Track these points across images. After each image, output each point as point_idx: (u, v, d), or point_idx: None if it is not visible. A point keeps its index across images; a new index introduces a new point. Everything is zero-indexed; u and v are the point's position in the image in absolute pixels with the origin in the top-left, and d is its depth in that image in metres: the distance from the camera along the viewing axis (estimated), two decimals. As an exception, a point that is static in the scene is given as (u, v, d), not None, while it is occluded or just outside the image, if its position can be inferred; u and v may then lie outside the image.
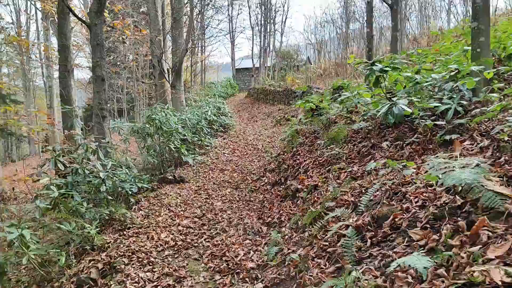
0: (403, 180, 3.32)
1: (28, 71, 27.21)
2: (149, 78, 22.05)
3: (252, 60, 32.52)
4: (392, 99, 4.00)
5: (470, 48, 5.14)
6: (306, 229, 3.84)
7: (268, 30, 32.81)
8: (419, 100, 4.03)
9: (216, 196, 6.64)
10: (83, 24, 9.15)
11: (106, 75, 8.09)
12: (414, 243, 2.43)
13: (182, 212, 5.92)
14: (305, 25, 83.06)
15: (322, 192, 4.46)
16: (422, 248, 2.36)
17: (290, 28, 47.66)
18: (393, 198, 3.19)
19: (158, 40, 14.05)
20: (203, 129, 11.39)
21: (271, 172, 7.11)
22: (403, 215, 2.83)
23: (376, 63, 4.55)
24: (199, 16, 25.05)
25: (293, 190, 5.24)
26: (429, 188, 3.00)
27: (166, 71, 14.33)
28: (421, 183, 3.18)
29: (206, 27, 30.46)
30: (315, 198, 4.42)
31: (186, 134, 9.93)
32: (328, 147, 5.36)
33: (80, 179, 5.78)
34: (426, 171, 3.40)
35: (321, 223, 3.54)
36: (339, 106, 6.33)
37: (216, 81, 33.62)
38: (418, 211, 2.78)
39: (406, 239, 2.59)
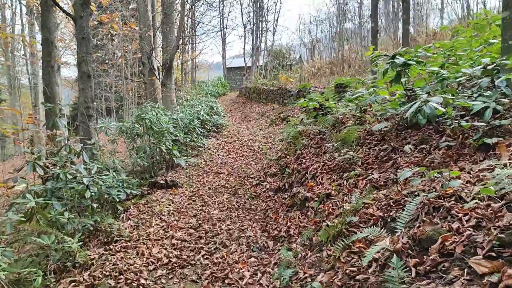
0: (443, 192, 2.78)
1: (13, 68, 26.26)
2: (138, 77, 21.34)
3: (244, 58, 31.94)
4: (421, 96, 3.48)
5: (496, 41, 4.68)
6: (323, 248, 3.29)
7: (260, 29, 32.29)
8: (453, 98, 3.51)
9: (212, 203, 6.05)
10: (70, 19, 8.59)
11: (92, 71, 7.48)
12: (484, 280, 1.89)
13: (175, 222, 5.32)
14: (298, 23, 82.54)
15: (338, 202, 3.91)
16: (495, 286, 1.83)
17: (282, 26, 47.27)
18: (434, 214, 2.66)
19: (148, 36, 13.41)
20: (195, 129, 10.80)
21: (272, 177, 6.53)
22: (455, 238, 2.29)
23: (397, 56, 4.03)
24: (190, 12, 24.37)
25: (301, 199, 4.67)
26: (480, 203, 2.48)
27: (156, 69, 13.74)
28: (467, 196, 2.66)
29: (198, 24, 29.75)
30: (330, 210, 3.87)
31: (178, 135, 9.34)
32: (340, 151, 4.83)
33: (61, 185, 5.18)
34: (468, 181, 2.90)
35: (344, 242, 2.99)
36: (350, 105, 5.81)
37: (207, 80, 33.02)
38: (474, 233, 2.25)
39: (466, 270, 2.05)
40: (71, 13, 7.80)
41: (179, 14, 14.72)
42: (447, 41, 5.49)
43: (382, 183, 3.68)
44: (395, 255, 2.34)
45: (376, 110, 5.13)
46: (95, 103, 7.45)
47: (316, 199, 4.35)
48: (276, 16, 45.08)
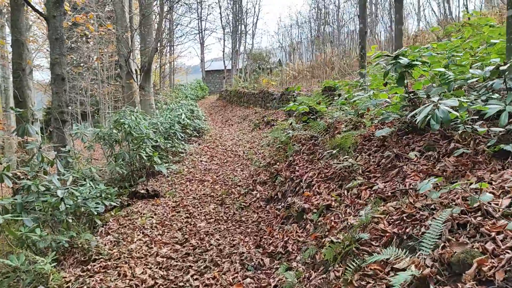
0: (466, 206, 2.50)
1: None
2: (115, 80, 20.68)
3: (224, 61, 31.58)
4: (432, 99, 3.21)
5: (497, 41, 4.49)
6: (330, 268, 2.96)
7: (239, 31, 32.00)
8: (467, 101, 3.25)
9: (198, 215, 5.65)
10: (42, 19, 8.10)
11: (67, 74, 6.98)
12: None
13: (159, 237, 4.90)
14: (277, 26, 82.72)
15: (340, 215, 3.59)
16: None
17: (261, 30, 47.05)
18: (460, 232, 2.36)
19: (126, 38, 12.89)
20: (176, 134, 10.35)
21: (262, 185, 6.18)
22: (493, 262, 1.99)
23: (400, 56, 3.76)
24: (168, 14, 23.86)
25: (298, 210, 4.32)
26: (513, 219, 2.19)
27: (134, 72, 13.21)
28: (495, 211, 2.38)
29: (176, 26, 29.22)
30: (332, 223, 3.55)
31: (158, 140, 8.89)
32: (337, 157, 4.52)
33: (32, 198, 4.70)
34: (491, 192, 2.62)
35: (356, 263, 2.66)
36: (344, 108, 5.53)
37: (185, 83, 32.52)
38: (515, 256, 1.96)
39: (514, 303, 1.76)
40: (44, 12, 7.29)
41: (158, 16, 14.28)
42: (441, 42, 5.27)
43: (389, 194, 3.37)
44: (428, 282, 2.02)
45: (375, 115, 4.85)
46: (69, 108, 6.96)
47: (315, 210, 4.02)
48: (255, 19, 44.98)
